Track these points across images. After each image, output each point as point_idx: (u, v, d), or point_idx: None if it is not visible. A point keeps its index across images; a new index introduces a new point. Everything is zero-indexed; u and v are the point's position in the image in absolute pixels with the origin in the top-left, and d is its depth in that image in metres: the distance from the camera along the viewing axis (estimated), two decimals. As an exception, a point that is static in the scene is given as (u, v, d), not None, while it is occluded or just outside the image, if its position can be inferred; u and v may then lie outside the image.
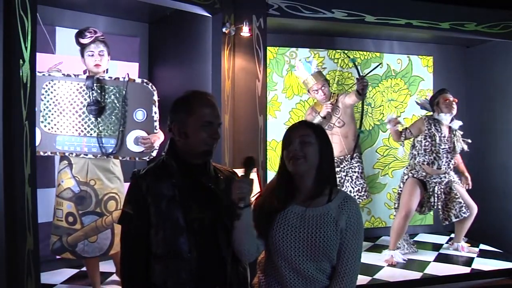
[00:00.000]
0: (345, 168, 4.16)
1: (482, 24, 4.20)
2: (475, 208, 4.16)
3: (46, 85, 3.00)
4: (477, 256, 4.23)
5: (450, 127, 4.11)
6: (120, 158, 3.12)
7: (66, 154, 3.03)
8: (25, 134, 2.37)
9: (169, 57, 3.99)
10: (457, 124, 4.12)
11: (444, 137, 4.07)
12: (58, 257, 3.70)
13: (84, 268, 3.78)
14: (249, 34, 3.45)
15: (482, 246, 4.52)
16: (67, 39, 3.73)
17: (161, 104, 3.13)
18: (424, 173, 4.09)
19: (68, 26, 3.74)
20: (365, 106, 4.30)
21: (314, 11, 3.74)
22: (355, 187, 4.11)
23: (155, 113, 3.10)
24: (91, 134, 3.04)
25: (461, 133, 4.19)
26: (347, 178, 4.14)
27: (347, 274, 1.66)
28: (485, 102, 4.80)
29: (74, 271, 3.75)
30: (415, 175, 4.11)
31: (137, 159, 3.12)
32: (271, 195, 1.75)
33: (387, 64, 4.93)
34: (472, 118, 4.87)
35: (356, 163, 4.17)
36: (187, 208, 1.69)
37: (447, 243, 4.59)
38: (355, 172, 4.15)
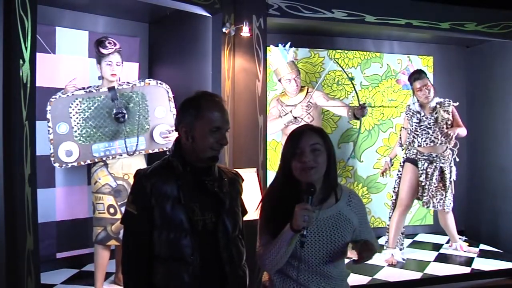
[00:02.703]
0: None
1: (482, 24, 4.20)
2: (448, 208, 4.15)
3: (72, 104, 3.21)
4: (477, 256, 4.23)
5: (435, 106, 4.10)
6: (150, 151, 3.40)
7: (104, 159, 3.28)
8: (25, 134, 2.38)
9: (169, 57, 3.99)
10: (435, 101, 4.08)
11: (424, 115, 4.07)
12: (58, 256, 3.74)
13: (84, 268, 3.79)
14: (249, 34, 3.44)
15: (482, 246, 4.52)
16: (67, 39, 3.74)
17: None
18: (415, 151, 4.10)
19: (68, 26, 3.75)
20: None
21: (314, 11, 3.73)
22: None
23: (173, 108, 3.39)
24: (121, 137, 3.30)
25: (456, 104, 4.12)
26: None
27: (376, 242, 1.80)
28: (485, 102, 4.80)
29: (74, 271, 3.75)
30: (408, 154, 4.14)
31: (164, 148, 3.39)
32: (280, 205, 1.68)
33: (387, 64, 4.94)
34: (472, 118, 4.87)
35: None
36: (191, 210, 1.68)
37: (447, 243, 4.59)
38: None
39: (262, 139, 3.50)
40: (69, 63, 3.74)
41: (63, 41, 3.72)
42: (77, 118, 3.21)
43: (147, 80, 3.40)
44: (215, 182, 1.74)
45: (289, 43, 4.15)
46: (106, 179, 3.28)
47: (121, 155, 3.29)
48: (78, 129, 3.22)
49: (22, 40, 2.36)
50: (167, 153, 1.80)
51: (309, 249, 1.65)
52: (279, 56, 4.12)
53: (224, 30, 3.38)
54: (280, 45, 4.11)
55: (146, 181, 1.68)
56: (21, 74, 2.36)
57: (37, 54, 2.48)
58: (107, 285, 3.45)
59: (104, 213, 3.26)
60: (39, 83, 2.60)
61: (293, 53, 4.22)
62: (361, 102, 4.00)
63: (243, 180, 1.90)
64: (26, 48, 2.38)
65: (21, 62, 2.36)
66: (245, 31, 3.41)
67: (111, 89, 3.24)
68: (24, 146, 2.37)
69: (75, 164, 3.23)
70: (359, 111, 3.93)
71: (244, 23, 3.39)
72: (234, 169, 1.96)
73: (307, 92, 4.18)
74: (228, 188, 1.77)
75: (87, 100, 3.23)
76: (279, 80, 4.19)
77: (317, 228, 1.67)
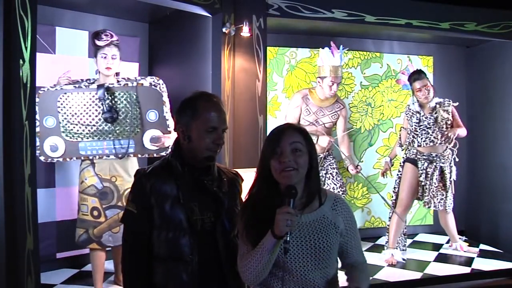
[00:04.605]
0: (324, 166, 4.09)
1: (482, 24, 4.20)
2: (449, 208, 4.15)
3: (61, 98, 3.12)
4: (477, 256, 4.23)
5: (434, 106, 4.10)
6: (140, 156, 3.28)
7: (90, 157, 3.19)
8: (25, 134, 2.38)
9: (169, 57, 3.99)
10: (434, 101, 4.07)
11: (423, 115, 4.07)
12: (58, 256, 3.73)
13: (84, 268, 3.79)
14: (249, 34, 3.45)
15: (482, 246, 4.52)
16: (67, 39, 3.74)
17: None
18: (415, 151, 4.11)
19: (68, 26, 3.75)
20: (364, 106, 4.26)
21: (314, 11, 3.74)
22: (337, 183, 4.07)
23: (166, 113, 3.21)
24: (110, 138, 3.18)
25: (455, 104, 4.12)
26: (327, 175, 4.08)
27: (364, 263, 1.72)
28: (485, 102, 4.80)
29: (74, 271, 3.75)
30: (407, 155, 4.15)
31: (155, 155, 3.26)
32: (259, 210, 1.59)
33: (387, 64, 4.93)
34: (472, 118, 4.87)
35: (332, 159, 4.14)
36: (190, 210, 1.68)
37: (447, 243, 4.59)
38: (334, 168, 4.11)
39: (262, 139, 3.50)
40: (69, 63, 3.73)
41: (63, 41, 3.72)
42: (65, 113, 3.10)
43: (140, 81, 3.23)
44: (215, 182, 1.74)
45: (347, 48, 4.13)
46: (92, 180, 3.18)
47: (109, 157, 3.18)
48: (66, 124, 3.11)
49: (22, 40, 2.36)
50: (165, 153, 1.80)
51: (293, 256, 1.55)
52: (337, 57, 3.98)
53: (224, 30, 3.38)
54: (341, 46, 4.03)
55: (145, 180, 1.69)
56: (21, 74, 2.36)
57: (37, 54, 2.48)
58: (107, 285, 3.45)
59: (87, 215, 3.17)
60: (39, 83, 2.60)
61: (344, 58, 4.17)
62: (358, 163, 4.14)
63: (242, 180, 1.90)
64: (26, 48, 2.38)
65: (21, 62, 2.36)
66: (245, 31, 3.41)
67: (100, 86, 3.10)
68: (24, 146, 2.37)
69: (61, 159, 3.16)
70: (351, 169, 4.05)
71: (244, 23, 3.39)
72: (234, 169, 1.96)
73: (336, 100, 4.15)
74: (228, 188, 1.77)
75: (76, 95, 3.11)
76: (321, 78, 4.01)
77: (300, 233, 1.57)
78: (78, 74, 3.59)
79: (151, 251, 1.70)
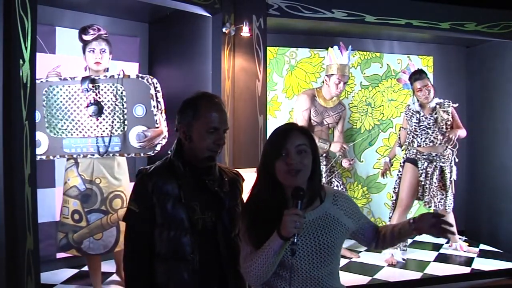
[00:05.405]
0: (328, 165, 4.10)
1: (482, 24, 4.20)
2: (449, 208, 4.15)
3: (46, 91, 3.02)
4: (477, 256, 4.23)
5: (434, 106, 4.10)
6: (126, 155, 3.13)
7: (74, 156, 3.07)
8: (25, 134, 2.37)
9: (169, 57, 3.99)
10: (435, 101, 4.07)
11: (423, 115, 4.07)
12: (58, 256, 3.73)
13: (84, 268, 3.78)
14: (249, 34, 3.45)
15: (482, 246, 4.52)
16: (67, 39, 3.74)
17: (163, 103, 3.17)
18: (414, 151, 4.11)
19: (68, 26, 3.74)
20: (364, 106, 4.27)
21: (314, 11, 3.74)
22: (340, 181, 4.11)
23: (154, 107, 3.07)
24: (95, 135, 3.05)
25: (455, 105, 4.12)
26: (331, 174, 4.10)
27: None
28: (485, 102, 4.80)
29: (74, 271, 3.75)
30: (407, 155, 4.15)
31: (142, 155, 3.14)
32: (262, 211, 1.58)
33: (387, 64, 4.94)
34: (472, 118, 4.87)
35: (332, 158, 4.16)
36: (191, 209, 1.69)
37: (447, 243, 4.59)
38: (334, 166, 4.14)
39: (262, 139, 3.50)
40: (69, 63, 3.73)
41: (63, 41, 3.71)
42: (49, 107, 2.99)
43: (126, 73, 3.10)
44: (216, 181, 1.75)
45: (355, 50, 4.11)
46: (75, 181, 3.04)
47: (93, 155, 3.05)
48: (50, 119, 2.99)
49: (22, 40, 2.36)
50: (169, 152, 1.81)
51: (298, 254, 1.54)
52: (346, 55, 3.99)
53: (224, 30, 3.38)
54: (350, 46, 4.04)
55: (147, 180, 1.70)
56: (21, 74, 2.36)
57: (37, 54, 2.48)
58: (107, 286, 3.45)
59: (68, 218, 3.03)
60: (39, 83, 2.60)
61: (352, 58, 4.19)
62: (352, 158, 4.18)
63: (243, 180, 1.90)
64: (26, 48, 2.38)
65: (21, 62, 2.36)
66: (245, 31, 3.41)
67: (84, 79, 2.99)
68: (24, 146, 2.37)
69: (44, 157, 3.03)
70: (345, 162, 4.05)
71: (244, 23, 3.39)
72: (235, 169, 1.96)
73: (339, 102, 4.18)
74: (229, 187, 1.78)
75: (61, 88, 3.00)
76: (328, 76, 4.03)
77: (304, 231, 1.57)
78: (78, 74, 3.59)
79: (152, 250, 1.70)
